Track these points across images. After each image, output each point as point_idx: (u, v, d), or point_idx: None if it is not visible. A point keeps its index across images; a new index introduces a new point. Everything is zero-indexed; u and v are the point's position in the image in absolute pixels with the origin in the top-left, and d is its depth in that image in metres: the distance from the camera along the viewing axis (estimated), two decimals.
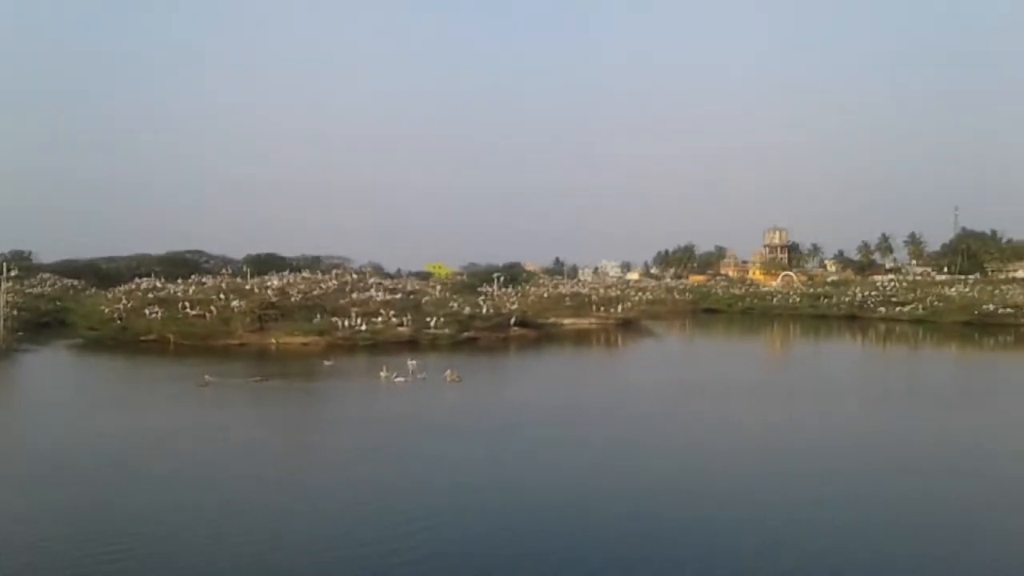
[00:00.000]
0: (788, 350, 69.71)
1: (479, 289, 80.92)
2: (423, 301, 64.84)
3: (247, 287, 63.40)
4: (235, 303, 58.13)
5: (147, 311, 58.23)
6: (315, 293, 62.85)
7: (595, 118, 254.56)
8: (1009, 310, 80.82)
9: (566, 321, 73.92)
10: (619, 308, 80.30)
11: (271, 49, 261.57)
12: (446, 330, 58.40)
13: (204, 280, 69.12)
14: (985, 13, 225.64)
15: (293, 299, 60.62)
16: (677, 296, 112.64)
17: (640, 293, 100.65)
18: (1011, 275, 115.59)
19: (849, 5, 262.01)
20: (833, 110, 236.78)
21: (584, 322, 75.26)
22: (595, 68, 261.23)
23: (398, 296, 64.51)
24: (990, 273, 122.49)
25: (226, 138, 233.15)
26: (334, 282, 67.60)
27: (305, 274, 73.54)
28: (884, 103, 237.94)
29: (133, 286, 66.40)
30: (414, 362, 41.15)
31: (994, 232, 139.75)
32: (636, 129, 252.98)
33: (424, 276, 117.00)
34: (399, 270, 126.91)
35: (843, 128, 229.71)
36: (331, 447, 25.66)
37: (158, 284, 66.22)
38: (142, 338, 56.00)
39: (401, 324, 57.99)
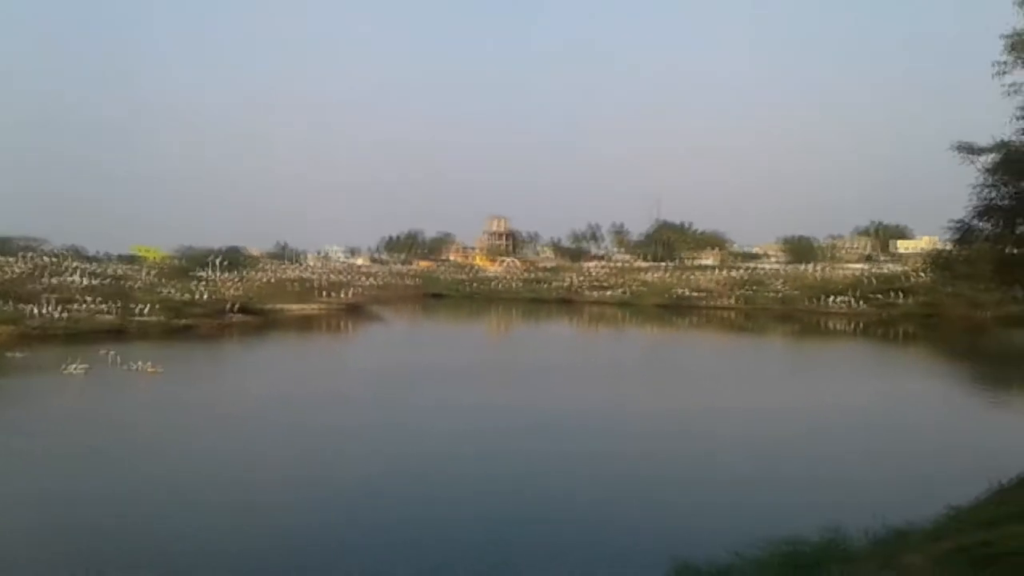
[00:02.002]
0: (510, 333, 73.07)
1: (196, 274, 76.29)
2: (131, 286, 60.06)
3: None
4: None
5: None
6: (1, 278, 56.03)
7: (316, 104, 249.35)
8: (698, 293, 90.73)
9: (291, 307, 71.92)
10: (346, 293, 79.66)
11: None
12: (158, 317, 54.50)
13: None
14: None
15: None
16: (405, 281, 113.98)
17: (367, 278, 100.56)
18: (699, 263, 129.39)
19: None
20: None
21: (310, 307, 73.69)
22: (297, 49, 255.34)
23: (102, 281, 59.32)
24: (682, 261, 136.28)
25: None
26: (24, 265, 60.74)
27: None
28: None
29: None
30: (112, 352, 38.18)
31: (685, 224, 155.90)
32: (363, 116, 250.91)
33: (131, 260, 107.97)
34: (101, 252, 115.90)
35: (553, 127, 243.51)
36: None
37: None
38: None
39: (106, 311, 53.25)
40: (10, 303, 51.39)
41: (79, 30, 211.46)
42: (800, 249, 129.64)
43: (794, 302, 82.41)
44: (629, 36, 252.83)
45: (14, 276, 57.08)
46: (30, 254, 70.24)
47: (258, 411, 28.35)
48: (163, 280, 66.73)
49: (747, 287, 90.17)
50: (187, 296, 59.76)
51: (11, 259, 64.59)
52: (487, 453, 22.24)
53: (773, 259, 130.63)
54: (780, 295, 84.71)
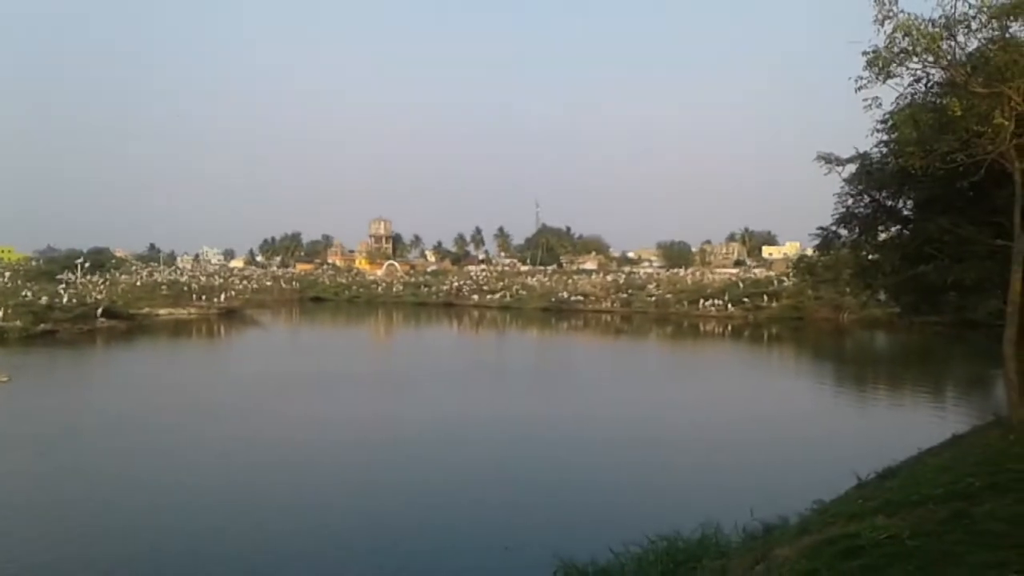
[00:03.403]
0: (390, 338, 72.26)
1: (59, 277, 72.20)
2: None
3: None
4: None
5: None
6: None
7: (189, 95, 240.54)
8: (579, 297, 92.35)
9: (162, 311, 68.99)
10: (222, 297, 77.12)
11: None
12: (16, 322, 51.20)
13: None
14: None
15: None
16: (284, 285, 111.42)
17: (245, 281, 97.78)
18: (580, 266, 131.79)
19: None
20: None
21: (183, 312, 70.96)
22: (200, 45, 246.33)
23: None
24: (564, 265, 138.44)
25: None
26: None
27: None
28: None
29: None
30: None
31: (566, 228, 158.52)
32: (241, 111, 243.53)
33: None
34: None
35: (434, 131, 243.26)
36: None
37: None
38: None
39: None
40: None
41: None
42: (675, 254, 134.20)
43: (670, 305, 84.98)
44: (517, 34, 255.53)
45: None
46: None
47: (99, 425, 26.19)
48: (23, 283, 62.73)
49: (626, 291, 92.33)
50: (48, 300, 56.25)
51: None
52: (365, 462, 21.85)
53: (650, 264, 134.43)
54: (656, 299, 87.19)
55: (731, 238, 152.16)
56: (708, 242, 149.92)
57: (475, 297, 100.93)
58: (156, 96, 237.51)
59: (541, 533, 15.46)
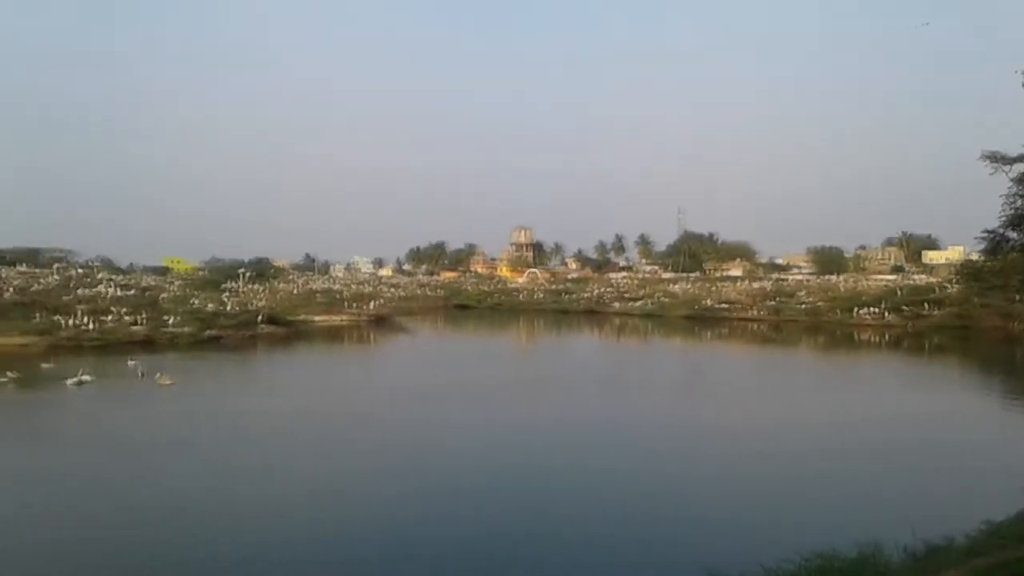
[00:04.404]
0: (536, 345, 72.81)
1: (224, 285, 77.11)
2: (160, 298, 60.71)
3: None
4: None
5: None
6: (33, 289, 56.93)
7: (340, 119, 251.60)
8: (724, 305, 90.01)
9: (317, 318, 72.29)
10: (372, 304, 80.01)
11: None
12: (186, 328, 55.04)
13: None
14: None
15: (7, 295, 54.37)
16: (429, 292, 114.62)
17: (393, 289, 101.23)
18: (725, 273, 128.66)
19: None
20: (567, 115, 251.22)
21: (336, 319, 74.03)
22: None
23: (131, 292, 60.06)
24: (709, 271, 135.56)
25: None
26: (56, 277, 61.64)
27: (22, 268, 66.60)
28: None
29: None
30: (133, 363, 38.78)
31: (710, 235, 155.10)
32: (387, 132, 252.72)
33: (161, 271, 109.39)
34: (132, 264, 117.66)
35: (577, 139, 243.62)
36: None
37: None
38: None
39: (135, 322, 53.87)
40: (42, 314, 52.25)
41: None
42: (828, 260, 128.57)
43: (822, 313, 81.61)
44: (651, 49, 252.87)
45: (46, 287, 57.84)
46: (60, 265, 71.46)
47: (264, 425, 27.60)
48: (192, 291, 67.31)
49: (774, 298, 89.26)
50: (214, 307, 60.08)
51: (43, 271, 65.77)
52: (527, 468, 21.95)
53: (801, 270, 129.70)
54: (808, 306, 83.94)
55: (888, 242, 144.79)
56: (863, 247, 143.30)
57: (617, 304, 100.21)
58: (321, 126, 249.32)
59: (688, 548, 15.18)
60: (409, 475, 20.76)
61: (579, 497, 18.91)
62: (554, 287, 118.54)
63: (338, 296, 79.76)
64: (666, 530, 16.58)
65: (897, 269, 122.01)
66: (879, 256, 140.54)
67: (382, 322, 77.77)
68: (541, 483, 20.21)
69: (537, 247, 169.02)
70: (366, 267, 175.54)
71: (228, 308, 61.06)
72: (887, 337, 67.59)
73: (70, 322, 51.40)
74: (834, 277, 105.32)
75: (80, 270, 68.57)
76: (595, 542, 15.80)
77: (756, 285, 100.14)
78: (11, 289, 55.59)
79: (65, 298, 55.63)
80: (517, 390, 37.58)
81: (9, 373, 35.00)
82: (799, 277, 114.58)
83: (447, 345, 70.08)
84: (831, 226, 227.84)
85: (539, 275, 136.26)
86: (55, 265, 72.29)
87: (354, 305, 77.95)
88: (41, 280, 59.80)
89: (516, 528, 16.66)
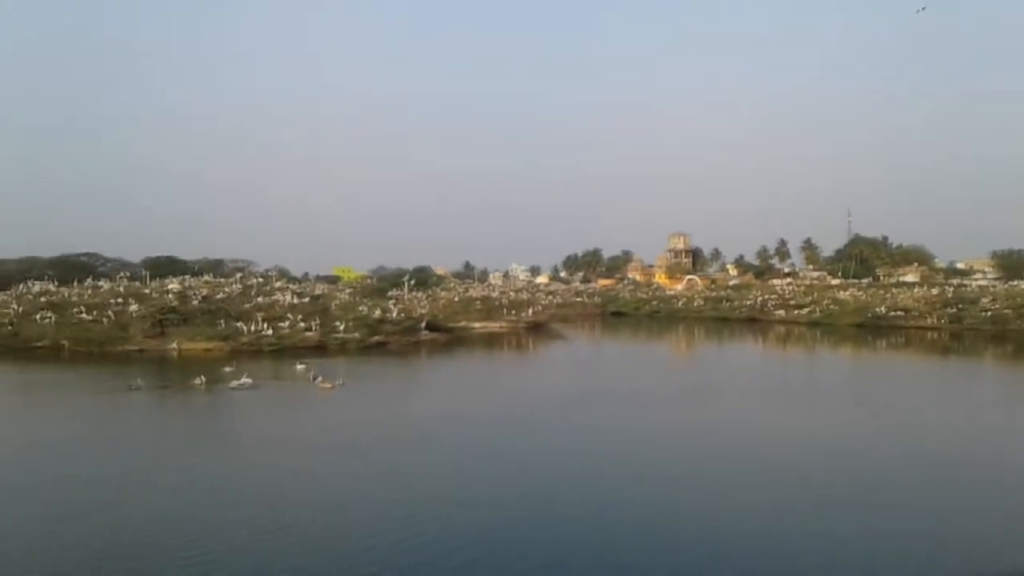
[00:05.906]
0: (697, 353, 71.10)
1: (388, 293, 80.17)
2: (331, 305, 63.78)
3: (146, 291, 61.22)
4: (133, 307, 56.17)
5: (39, 316, 55.86)
6: (218, 297, 61.14)
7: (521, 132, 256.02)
8: (898, 313, 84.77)
9: (476, 325, 73.83)
10: (529, 311, 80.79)
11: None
12: (355, 334, 57.57)
13: (100, 284, 66.58)
14: None
15: (194, 303, 58.79)
16: (585, 299, 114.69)
17: (549, 296, 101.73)
18: (900, 279, 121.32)
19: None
20: (724, 116, 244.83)
21: (494, 325, 75.30)
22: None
23: (305, 300, 63.38)
24: (881, 277, 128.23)
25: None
26: (238, 286, 65.88)
27: (207, 278, 71.61)
28: (773, 107, 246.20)
29: (23, 290, 63.63)
30: (301, 367, 40.67)
31: (884, 238, 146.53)
32: (542, 147, 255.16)
33: (332, 280, 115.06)
34: (306, 274, 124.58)
35: (741, 135, 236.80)
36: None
37: (51, 288, 63.79)
38: (34, 344, 53.54)
39: (308, 329, 56.88)
40: (225, 320, 56.15)
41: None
42: (1015, 264, 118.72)
43: (1009, 321, 75.40)
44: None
45: (228, 295, 61.97)
46: (242, 275, 76.35)
47: (422, 431, 27.67)
48: (359, 299, 70.21)
49: (954, 305, 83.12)
50: (380, 314, 62.52)
51: (227, 279, 70.48)
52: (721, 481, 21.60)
53: (984, 275, 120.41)
54: (992, 314, 77.70)
55: None
56: None
57: (781, 312, 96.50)
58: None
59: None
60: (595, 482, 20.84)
61: (741, 515, 18.25)
62: (713, 294, 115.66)
63: (496, 304, 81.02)
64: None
65: None
66: None
67: (539, 329, 78.41)
68: (723, 497, 19.63)
69: (695, 253, 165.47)
70: (523, 275, 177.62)
71: (393, 315, 63.28)
72: None
73: (250, 328, 54.93)
74: (1022, 283, 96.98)
75: (259, 279, 72.71)
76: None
77: (934, 291, 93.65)
78: (198, 297, 59.95)
79: (246, 306, 59.46)
80: (683, 401, 36.59)
81: (202, 377, 37.78)
82: (982, 283, 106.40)
83: (604, 352, 69.59)
84: (1019, 228, 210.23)
85: (698, 282, 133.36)
86: (237, 274, 77.22)
87: (512, 312, 78.96)
88: (224, 289, 64.02)
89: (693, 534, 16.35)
